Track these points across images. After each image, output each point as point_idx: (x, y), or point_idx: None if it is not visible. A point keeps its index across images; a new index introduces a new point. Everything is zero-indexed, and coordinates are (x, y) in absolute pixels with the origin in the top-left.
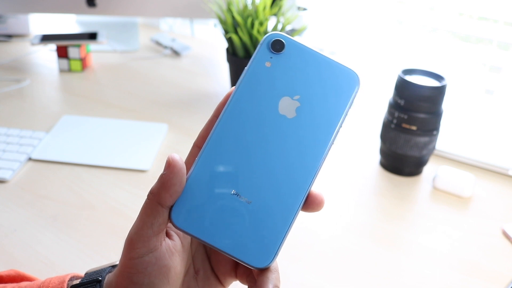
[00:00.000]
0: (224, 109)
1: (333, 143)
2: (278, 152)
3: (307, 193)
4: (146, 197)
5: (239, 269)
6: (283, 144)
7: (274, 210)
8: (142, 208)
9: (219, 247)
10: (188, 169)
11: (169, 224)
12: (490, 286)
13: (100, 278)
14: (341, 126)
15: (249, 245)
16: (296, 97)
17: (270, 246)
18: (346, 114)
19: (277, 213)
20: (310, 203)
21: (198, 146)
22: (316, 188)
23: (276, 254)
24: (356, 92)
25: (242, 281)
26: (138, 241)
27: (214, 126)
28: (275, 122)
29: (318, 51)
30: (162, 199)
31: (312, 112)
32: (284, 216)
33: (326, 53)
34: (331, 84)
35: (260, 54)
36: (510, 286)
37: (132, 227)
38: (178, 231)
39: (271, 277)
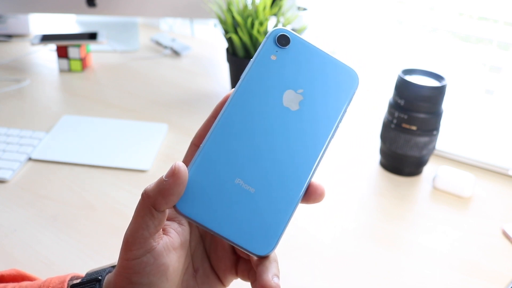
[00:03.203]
0: (229, 99)
1: (332, 137)
2: (281, 143)
3: (307, 183)
4: (140, 196)
5: (239, 266)
6: (286, 135)
7: (276, 199)
8: (136, 208)
9: (222, 234)
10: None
11: (167, 221)
12: (490, 286)
13: (99, 278)
14: (340, 121)
15: (251, 233)
16: (300, 90)
17: (271, 234)
18: (346, 111)
19: (279, 202)
20: (311, 194)
21: (195, 144)
22: (317, 179)
23: (277, 242)
24: (355, 90)
25: (244, 278)
26: (135, 243)
27: (220, 114)
28: (279, 114)
29: (320, 48)
30: (157, 205)
31: (314, 106)
32: (286, 205)
33: (327, 50)
34: (333, 81)
35: (266, 47)
36: (510, 286)
37: (128, 228)
38: (177, 229)
39: (270, 267)
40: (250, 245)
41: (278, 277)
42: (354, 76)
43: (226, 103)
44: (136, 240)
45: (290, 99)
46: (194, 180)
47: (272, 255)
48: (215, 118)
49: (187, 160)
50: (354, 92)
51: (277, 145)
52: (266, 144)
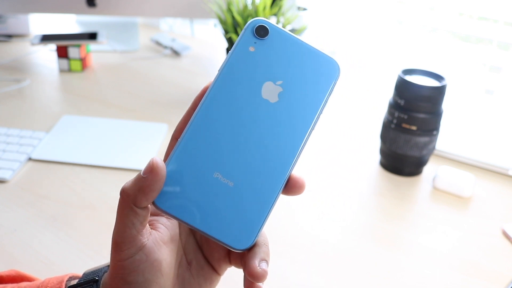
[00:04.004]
0: (207, 92)
1: (313, 129)
2: (260, 136)
3: (287, 176)
4: (119, 195)
5: (232, 254)
6: (265, 128)
7: (256, 192)
8: (118, 208)
9: (200, 228)
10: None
11: (155, 216)
12: (490, 286)
13: (97, 278)
14: (321, 113)
15: (230, 227)
16: (279, 82)
17: (251, 228)
18: (326, 102)
19: (258, 196)
20: (292, 187)
21: (176, 138)
22: (298, 172)
23: (256, 236)
24: (336, 81)
25: (237, 265)
26: (124, 243)
27: (197, 107)
28: (258, 106)
29: (300, 38)
30: (137, 202)
31: (294, 97)
32: (265, 199)
33: (308, 40)
34: (313, 71)
35: (244, 38)
36: (510, 286)
37: (114, 229)
38: (166, 223)
39: (258, 252)
40: (229, 239)
41: (266, 261)
42: (335, 66)
43: (204, 96)
44: (125, 239)
45: (269, 90)
46: (172, 174)
47: (262, 238)
48: (194, 111)
49: (169, 154)
50: (335, 83)
51: (256, 137)
52: (245, 137)
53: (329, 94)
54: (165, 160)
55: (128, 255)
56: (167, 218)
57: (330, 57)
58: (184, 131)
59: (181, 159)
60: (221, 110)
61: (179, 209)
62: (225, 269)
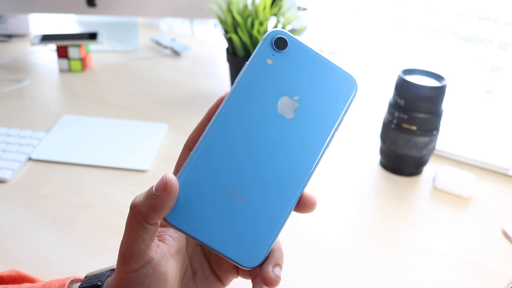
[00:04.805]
0: (222, 104)
1: (328, 146)
2: (274, 152)
3: (300, 194)
4: (129, 209)
5: None
6: (279, 144)
7: (267, 210)
8: (127, 222)
9: (209, 245)
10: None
11: (163, 228)
12: (490, 286)
13: (99, 283)
14: (337, 130)
15: (240, 244)
16: (296, 97)
17: (261, 246)
18: (343, 118)
19: (269, 214)
20: (303, 205)
21: (188, 148)
22: (310, 189)
23: (266, 254)
24: (353, 97)
25: (244, 276)
26: (132, 257)
27: (212, 120)
28: (273, 121)
29: (319, 52)
30: (148, 219)
31: (310, 114)
32: (277, 217)
33: (326, 55)
34: (330, 87)
35: (262, 50)
36: (510, 286)
37: (122, 241)
38: (173, 235)
39: (272, 256)
40: (238, 257)
41: (280, 266)
42: (352, 83)
43: (219, 109)
44: (133, 253)
45: (285, 106)
46: (183, 189)
47: (275, 242)
48: (208, 122)
49: (180, 164)
50: (352, 100)
51: (270, 154)
52: (258, 153)
53: (346, 111)
54: (176, 170)
55: (135, 268)
56: (175, 230)
57: (348, 73)
58: (197, 144)
59: (193, 174)
60: (235, 125)
61: (188, 224)
62: (231, 280)
